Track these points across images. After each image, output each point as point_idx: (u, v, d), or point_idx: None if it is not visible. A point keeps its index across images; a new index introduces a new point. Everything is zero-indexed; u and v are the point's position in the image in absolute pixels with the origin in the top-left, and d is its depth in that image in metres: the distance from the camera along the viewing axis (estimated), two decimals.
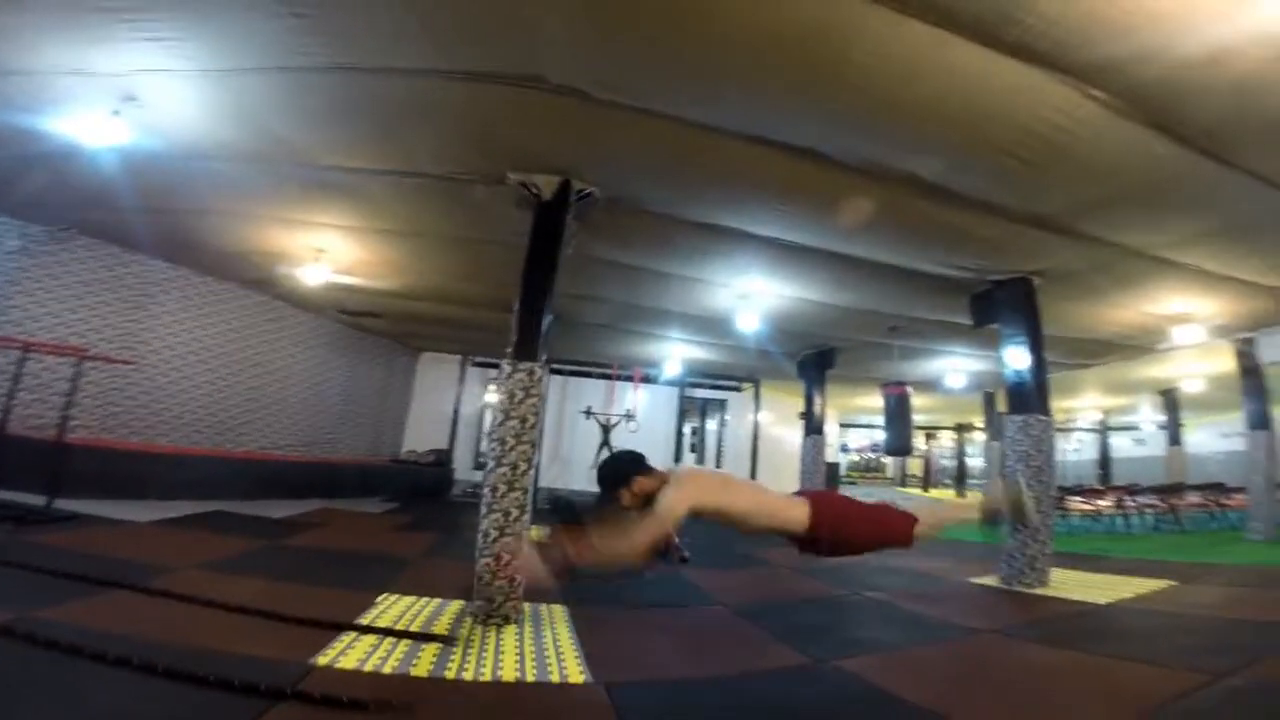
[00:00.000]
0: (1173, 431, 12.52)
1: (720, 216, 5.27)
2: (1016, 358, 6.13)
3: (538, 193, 4.47)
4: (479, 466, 12.61)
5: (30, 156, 4.89)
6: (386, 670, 2.75)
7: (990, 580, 5.63)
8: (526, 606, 3.95)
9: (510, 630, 3.61)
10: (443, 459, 12.09)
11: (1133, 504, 9.69)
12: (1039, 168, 4.14)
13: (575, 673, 2.88)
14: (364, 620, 3.42)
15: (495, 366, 12.34)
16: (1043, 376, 6.02)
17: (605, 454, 12.28)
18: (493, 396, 13.24)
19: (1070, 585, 5.27)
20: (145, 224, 6.41)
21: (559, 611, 4.05)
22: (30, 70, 3.78)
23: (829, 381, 10.11)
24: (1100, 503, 9.77)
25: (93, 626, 2.79)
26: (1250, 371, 8.23)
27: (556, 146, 4.22)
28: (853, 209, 4.91)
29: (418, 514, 8.84)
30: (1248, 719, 2.38)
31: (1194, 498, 9.75)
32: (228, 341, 8.74)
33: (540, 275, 4.35)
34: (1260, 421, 8.08)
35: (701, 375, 12.75)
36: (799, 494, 2.65)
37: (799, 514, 2.47)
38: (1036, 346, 6.08)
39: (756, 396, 13.30)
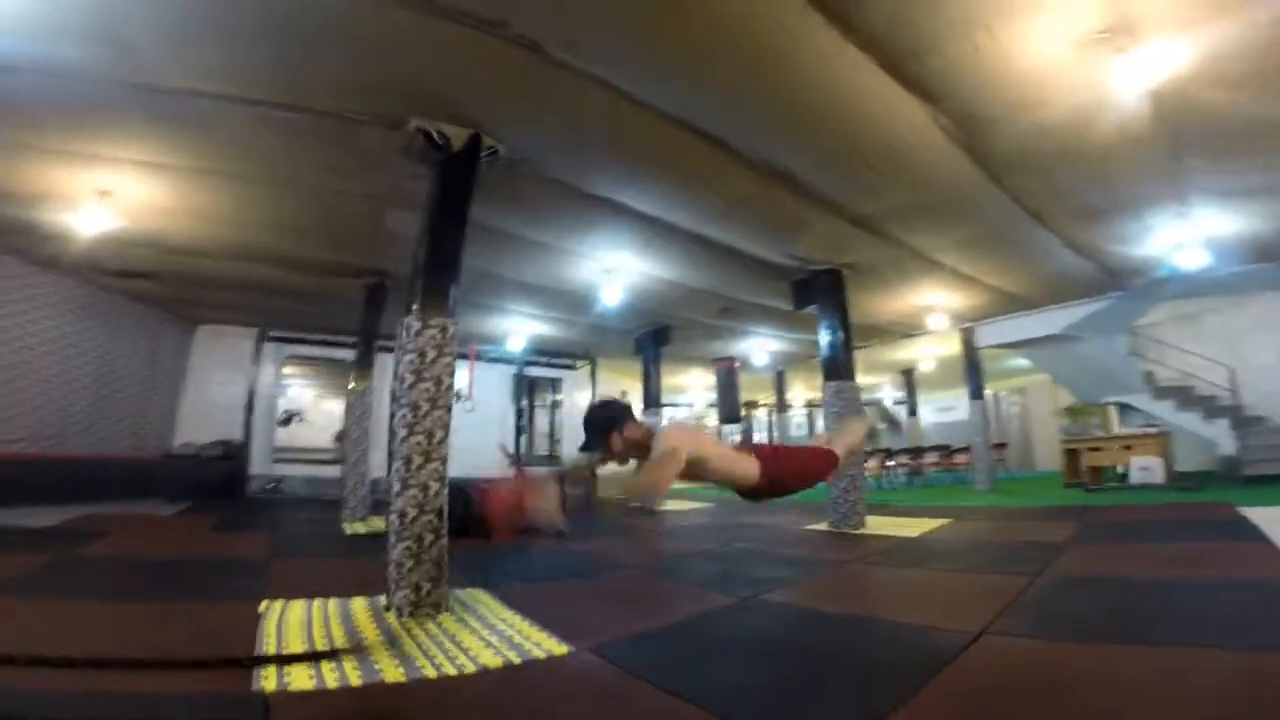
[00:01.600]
0: (911, 404, 15.72)
1: (616, 191, 5.43)
2: (829, 336, 7.31)
3: (444, 143, 4.15)
4: (280, 459, 10.99)
5: None
6: (354, 683, 2.29)
7: (823, 526, 6.66)
8: (449, 594, 3.64)
9: (447, 619, 3.25)
10: (232, 451, 10.24)
11: (892, 464, 12.04)
12: (883, 174, 5.11)
13: (554, 646, 2.72)
14: (267, 633, 2.82)
15: (298, 341, 11.06)
16: (849, 351, 7.29)
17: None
18: (286, 379, 11.56)
19: (882, 526, 6.52)
20: None
21: (481, 595, 3.77)
22: None
23: (662, 359, 10.77)
24: (869, 465, 11.94)
25: None
26: (970, 354, 10.71)
27: (481, 98, 3.98)
28: (728, 194, 5.48)
29: (221, 515, 7.44)
30: (1072, 602, 3.23)
31: (931, 458, 12.40)
32: None
33: (450, 230, 4.05)
34: (977, 393, 10.58)
35: (539, 353, 12.65)
36: (744, 448, 2.85)
37: (751, 467, 2.69)
38: (845, 326, 7.33)
39: (593, 374, 13.51)
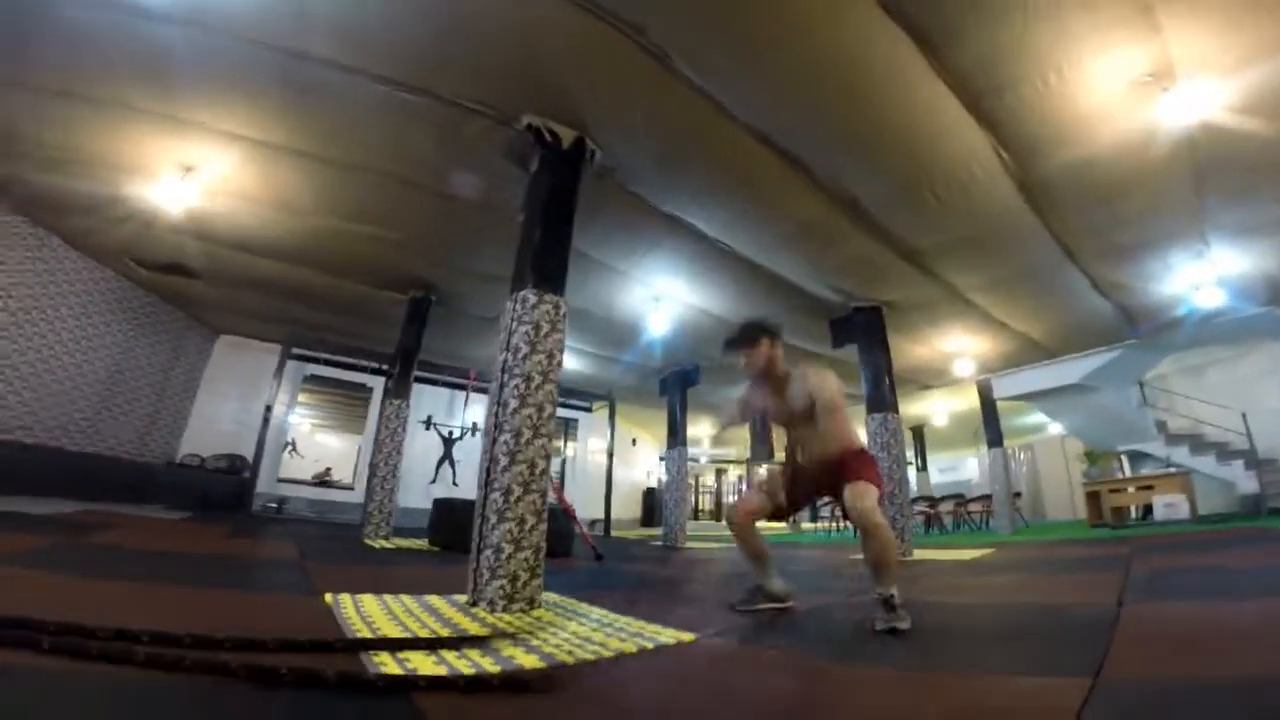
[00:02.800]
0: (921, 461, 15.80)
1: (688, 209, 5.58)
2: (872, 370, 7.42)
3: (555, 142, 4.27)
4: (284, 479, 10.60)
5: None
6: (491, 669, 1.90)
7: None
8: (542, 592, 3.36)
9: (546, 614, 2.97)
10: (238, 466, 9.86)
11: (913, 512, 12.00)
12: (945, 205, 5.34)
13: (676, 634, 2.45)
14: (351, 622, 2.43)
15: (321, 362, 10.81)
16: (893, 383, 7.41)
17: (446, 469, 11.27)
18: (299, 402, 11.26)
19: (927, 555, 6.49)
20: None
21: (560, 597, 3.44)
22: None
23: (689, 401, 10.68)
24: None
25: None
26: (988, 405, 10.88)
27: (598, 99, 4.14)
28: (795, 219, 5.65)
29: (234, 525, 7.05)
30: (1182, 579, 3.26)
31: (947, 506, 12.41)
32: None
33: (561, 222, 4.07)
34: (997, 441, 10.73)
35: (560, 389, 12.38)
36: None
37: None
38: (887, 359, 7.48)
39: (612, 417, 13.06)
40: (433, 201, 5.49)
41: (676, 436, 10.13)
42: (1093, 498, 9.93)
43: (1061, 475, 13.89)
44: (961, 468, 13.45)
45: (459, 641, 2.22)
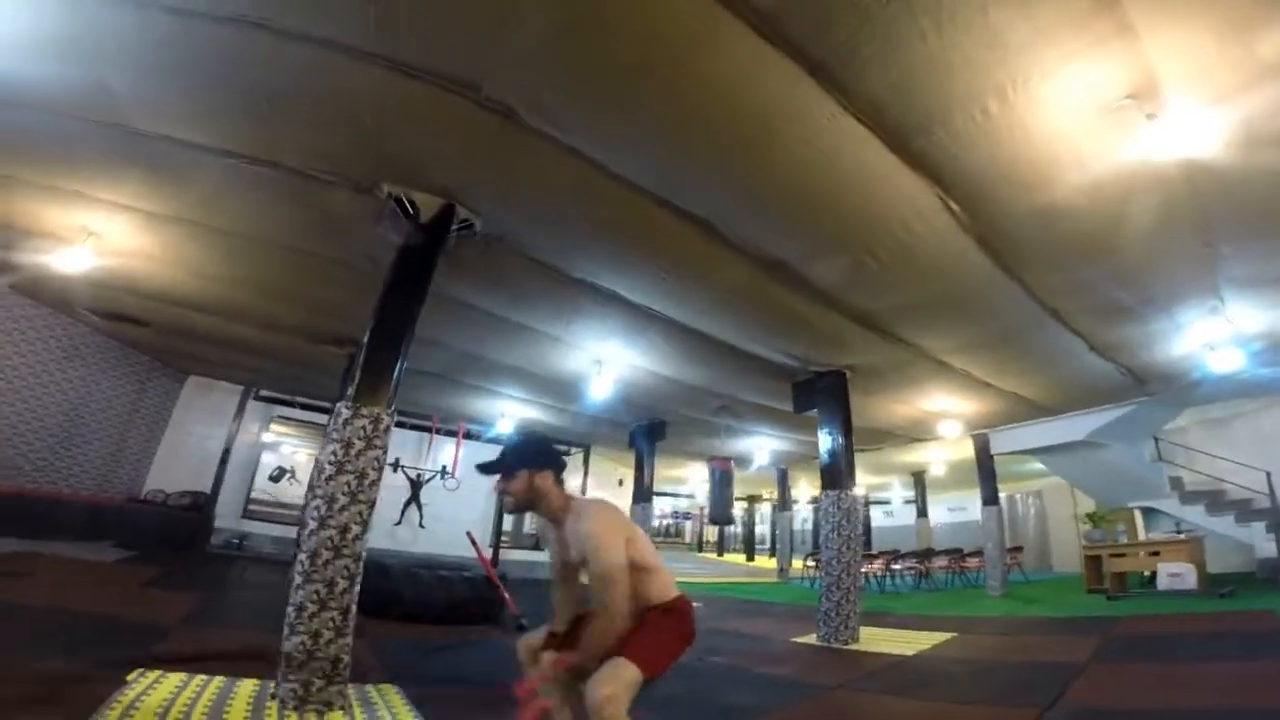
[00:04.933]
0: (921, 505, 14.93)
1: (601, 276, 5.18)
2: (830, 441, 6.79)
3: (414, 213, 3.95)
4: (250, 515, 10.56)
5: None
6: None
7: (811, 639, 5.98)
8: (351, 690, 3.20)
9: (336, 718, 2.87)
10: (200, 503, 9.84)
11: (897, 567, 11.20)
12: (888, 267, 4.70)
13: None
14: (110, 713, 2.44)
15: (285, 403, 11.00)
16: (850, 458, 6.73)
17: (413, 511, 11.08)
18: (273, 437, 11.39)
19: (877, 640, 5.84)
20: None
21: (391, 692, 3.35)
22: None
23: (657, 453, 10.29)
24: (872, 566, 11.12)
25: None
26: (984, 461, 10.15)
27: (452, 165, 3.80)
28: (722, 285, 5.16)
29: (169, 567, 6.98)
30: None
31: (941, 561, 11.55)
32: None
33: (402, 308, 3.76)
34: (991, 499, 9.96)
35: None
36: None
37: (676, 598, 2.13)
38: (847, 432, 6.81)
39: (586, 461, 13.12)
40: (329, 267, 5.25)
41: (641, 490, 9.70)
42: (1093, 561, 9.09)
43: (1071, 524, 12.88)
44: (971, 508, 12.57)
45: None
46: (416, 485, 11.15)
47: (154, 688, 2.83)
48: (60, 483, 8.34)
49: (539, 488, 2.09)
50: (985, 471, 10.11)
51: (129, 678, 2.89)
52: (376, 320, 3.67)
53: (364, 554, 3.33)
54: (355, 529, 3.27)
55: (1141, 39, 2.66)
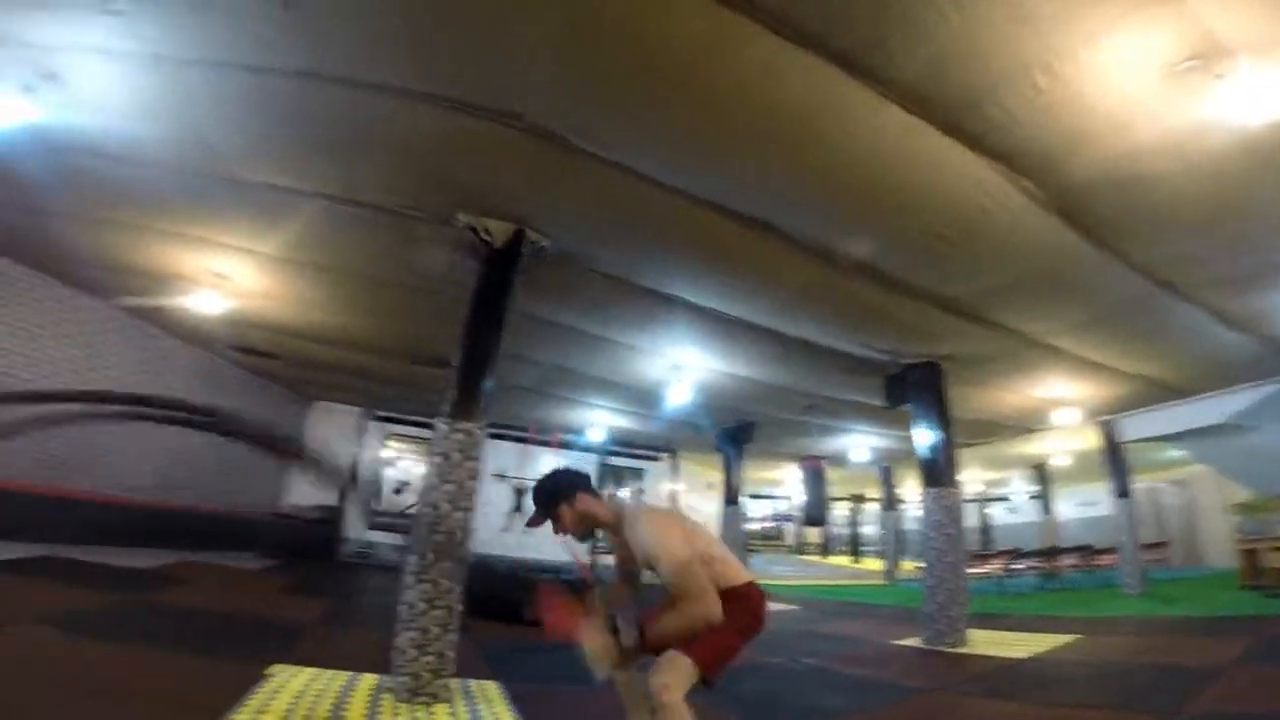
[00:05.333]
0: (1045, 501, 13.74)
1: (668, 284, 5.28)
2: (927, 436, 6.46)
3: (489, 239, 4.23)
4: (376, 526, 11.55)
5: None
6: None
7: (913, 641, 5.73)
8: (455, 683, 3.47)
9: (441, 711, 3.15)
10: (331, 516, 10.91)
11: (1018, 566, 10.39)
12: (962, 250, 4.46)
13: None
14: (252, 701, 2.82)
15: (399, 421, 11.95)
16: (951, 453, 6.38)
17: (517, 517, 11.64)
18: (389, 453, 12.41)
19: (987, 643, 5.47)
20: (13, 223, 5.45)
21: (492, 689, 3.60)
22: None
23: (745, 455, 10.21)
24: (989, 566, 10.39)
25: None
26: (1113, 449, 9.22)
27: (516, 192, 4.05)
28: (792, 284, 5.10)
29: (304, 575, 7.87)
30: None
31: (1069, 559, 10.60)
32: (82, 362, 7.38)
33: (486, 330, 4.06)
34: (1123, 492, 9.02)
35: (622, 444, 12.63)
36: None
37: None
38: (945, 426, 6.46)
39: (675, 466, 13.27)
40: (422, 294, 5.68)
41: (731, 492, 9.66)
42: (1249, 554, 8.02)
43: (1223, 515, 11.35)
44: (1104, 501, 11.42)
45: None
46: (520, 494, 11.71)
47: (289, 681, 3.21)
48: (213, 500, 9.48)
49: (583, 512, 2.17)
50: (1115, 461, 9.18)
51: (268, 671, 3.29)
52: (465, 341, 3.99)
53: (468, 557, 3.63)
54: (458, 534, 3.57)
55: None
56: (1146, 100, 2.99)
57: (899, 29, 2.68)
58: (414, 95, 3.25)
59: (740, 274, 4.99)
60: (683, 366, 7.15)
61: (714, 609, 1.92)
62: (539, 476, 2.28)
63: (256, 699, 2.85)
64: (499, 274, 4.21)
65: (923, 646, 5.57)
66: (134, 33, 3.00)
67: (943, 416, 6.48)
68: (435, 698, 3.27)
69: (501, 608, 6.10)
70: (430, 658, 3.33)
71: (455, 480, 3.66)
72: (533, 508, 2.22)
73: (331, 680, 3.36)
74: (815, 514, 9.29)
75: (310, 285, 6.00)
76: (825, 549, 22.08)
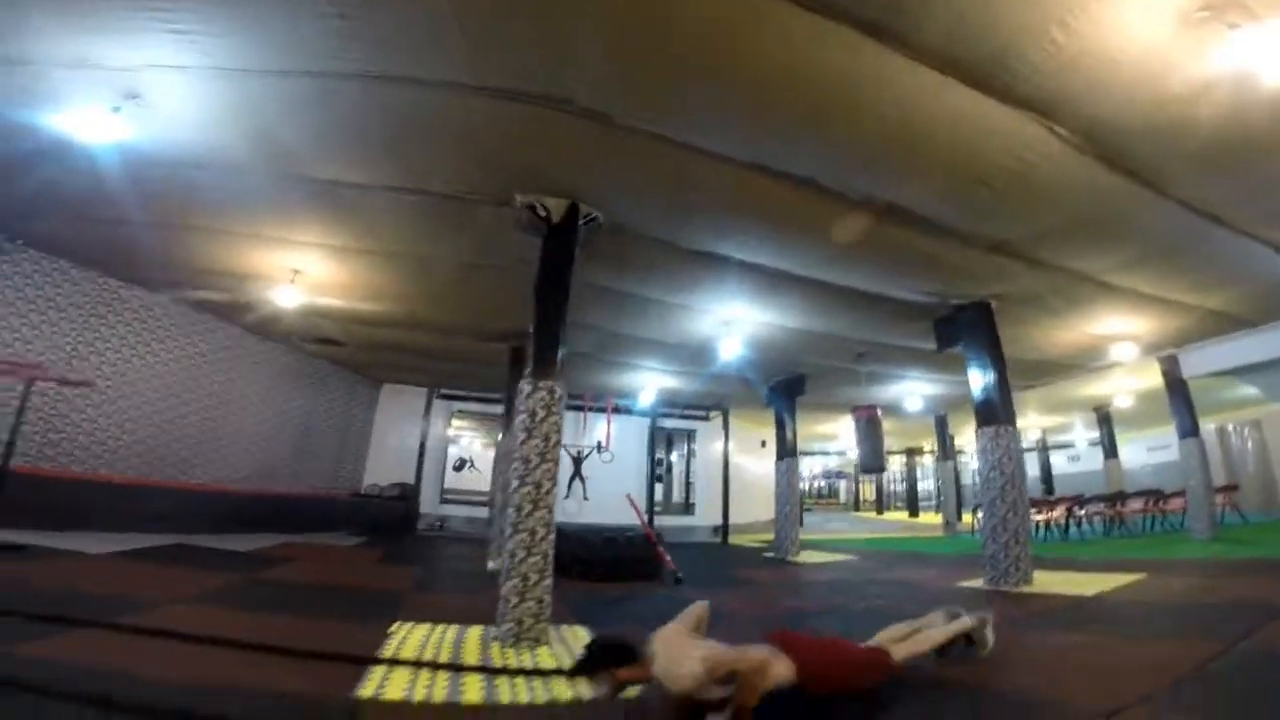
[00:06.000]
0: (1108, 445, 13.43)
1: (715, 244, 5.48)
2: (981, 378, 6.51)
3: (546, 215, 4.55)
4: (446, 500, 12.28)
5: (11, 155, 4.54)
6: (436, 699, 2.63)
7: (978, 583, 5.87)
8: (550, 629, 3.86)
9: (544, 652, 3.54)
10: (407, 492, 11.69)
11: (1082, 512, 10.31)
12: (1005, 196, 4.55)
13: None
14: (386, 651, 3.27)
15: (462, 398, 12.56)
16: (1006, 391, 6.42)
17: (577, 485, 12.15)
18: (454, 431, 13.07)
19: (1053, 583, 5.58)
20: (106, 237, 6.03)
21: (582, 632, 3.98)
22: (28, 60, 3.54)
23: (797, 409, 10.33)
24: (1053, 513, 10.34)
25: (86, 665, 2.58)
26: (1176, 386, 8.96)
27: (569, 169, 4.33)
28: (838, 236, 5.20)
29: (390, 548, 8.57)
30: (1272, 675, 2.57)
31: (1136, 504, 10.45)
32: (182, 368, 8.27)
33: (555, 297, 4.39)
34: (1190, 430, 8.77)
35: (672, 405, 12.97)
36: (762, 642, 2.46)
37: (780, 665, 2.33)
38: (999, 363, 6.49)
39: (726, 425, 13.51)
40: (487, 271, 6.08)
41: (785, 447, 9.86)
42: None
43: None
44: (1174, 444, 11.26)
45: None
46: (578, 461, 12.18)
47: (410, 634, 3.69)
48: (302, 484, 10.31)
49: (628, 677, 2.33)
50: (1178, 399, 8.89)
51: (389, 630, 3.75)
52: (538, 310, 4.34)
53: (554, 507, 3.98)
54: (546, 484, 3.95)
55: None
56: (1169, 52, 3.13)
57: None
58: (470, 89, 3.55)
59: (783, 228, 5.16)
60: (733, 321, 7.34)
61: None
62: (596, 640, 2.54)
63: (390, 646, 3.34)
64: (559, 247, 4.54)
65: (986, 588, 5.72)
66: (202, 49, 3.37)
67: (996, 356, 6.50)
68: (537, 641, 3.67)
69: (577, 566, 6.55)
70: (530, 603, 3.73)
71: (541, 434, 4.02)
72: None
73: (445, 632, 3.82)
74: (872, 462, 9.37)
75: (378, 273, 6.45)
76: (880, 504, 22.10)
